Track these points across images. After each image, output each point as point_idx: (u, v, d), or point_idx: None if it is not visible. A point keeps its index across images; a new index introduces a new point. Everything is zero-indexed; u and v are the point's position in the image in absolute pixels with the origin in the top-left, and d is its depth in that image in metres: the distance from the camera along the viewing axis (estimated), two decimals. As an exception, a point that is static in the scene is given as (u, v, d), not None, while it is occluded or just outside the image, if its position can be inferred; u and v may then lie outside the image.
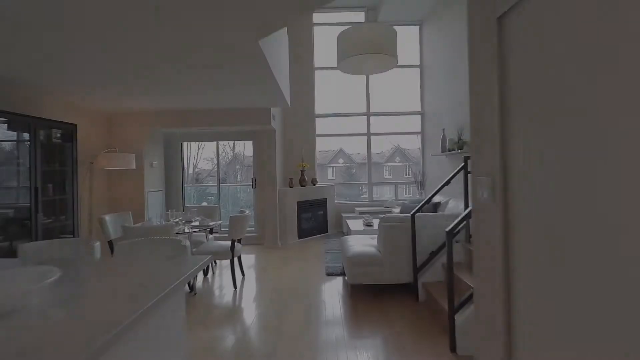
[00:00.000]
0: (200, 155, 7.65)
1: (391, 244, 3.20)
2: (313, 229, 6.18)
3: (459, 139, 4.76)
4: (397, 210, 5.86)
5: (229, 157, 7.37)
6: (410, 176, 7.74)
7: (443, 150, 5.33)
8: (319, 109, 6.78)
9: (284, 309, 3.00)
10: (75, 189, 3.97)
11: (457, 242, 3.17)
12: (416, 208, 3.09)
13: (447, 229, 2.30)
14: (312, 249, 5.25)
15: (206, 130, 5.53)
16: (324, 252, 4.97)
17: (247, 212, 3.80)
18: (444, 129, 5.42)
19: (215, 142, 5.99)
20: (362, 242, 3.66)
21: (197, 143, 7.63)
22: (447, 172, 5.59)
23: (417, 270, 3.11)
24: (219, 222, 3.72)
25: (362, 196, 7.40)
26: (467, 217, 2.27)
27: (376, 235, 3.97)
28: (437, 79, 6.02)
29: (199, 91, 3.86)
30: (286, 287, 3.55)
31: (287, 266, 4.32)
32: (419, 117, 6.82)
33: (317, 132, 6.78)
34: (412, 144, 7.10)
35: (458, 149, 4.73)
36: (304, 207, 6.02)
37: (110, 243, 3.53)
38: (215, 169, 6.90)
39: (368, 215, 5.03)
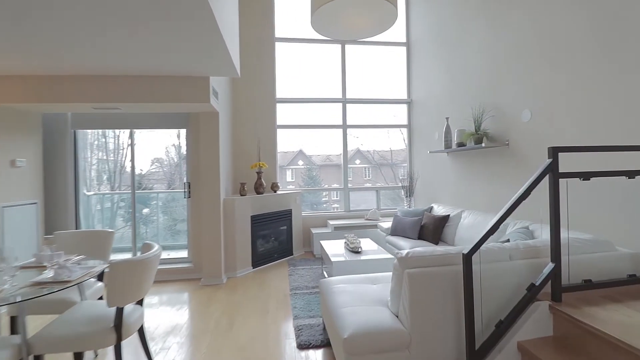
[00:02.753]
0: (127, 152, 5.65)
1: (422, 306, 1.73)
2: (273, 251, 4.56)
3: (478, 129, 3.47)
4: (386, 225, 4.46)
5: (174, 156, 5.35)
6: (369, 177, 6.34)
7: (447, 146, 4.02)
8: (280, 92, 5.19)
9: None
10: None
11: (537, 301, 1.79)
12: (475, 243, 1.64)
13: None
14: (272, 285, 3.63)
15: (109, 111, 3.66)
16: (290, 292, 3.38)
17: (157, 247, 2.09)
18: (447, 118, 4.13)
19: (128, 131, 4.12)
20: (359, 295, 2.14)
21: (127, 134, 5.57)
22: (450, 174, 4.27)
23: (475, 355, 1.68)
24: (99, 269, 1.97)
25: (323, 199, 5.89)
26: None
27: (377, 275, 2.49)
28: (431, 57, 4.74)
29: (85, 35, 2.09)
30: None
31: (232, 329, 2.66)
32: (402, 107, 5.51)
33: (279, 122, 5.19)
34: (380, 142, 5.74)
35: (476, 143, 3.44)
36: (261, 222, 4.37)
37: None
38: (156, 170, 5.06)
39: (352, 235, 3.54)
